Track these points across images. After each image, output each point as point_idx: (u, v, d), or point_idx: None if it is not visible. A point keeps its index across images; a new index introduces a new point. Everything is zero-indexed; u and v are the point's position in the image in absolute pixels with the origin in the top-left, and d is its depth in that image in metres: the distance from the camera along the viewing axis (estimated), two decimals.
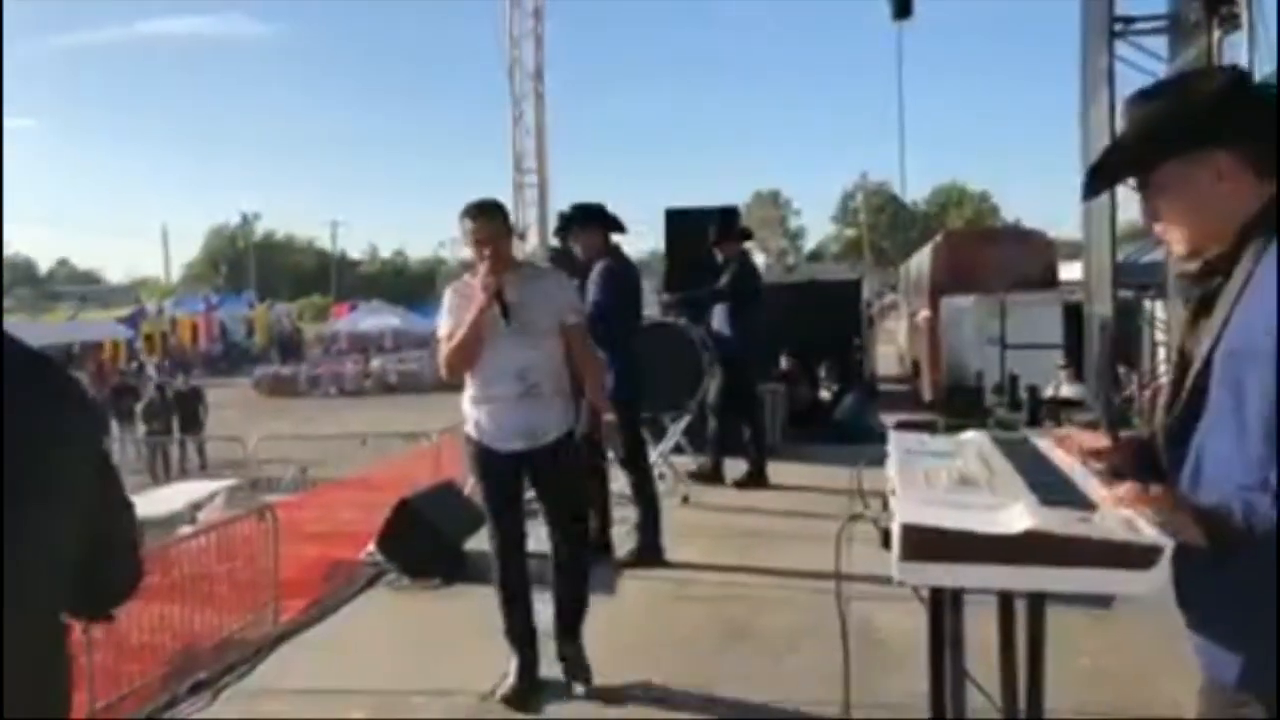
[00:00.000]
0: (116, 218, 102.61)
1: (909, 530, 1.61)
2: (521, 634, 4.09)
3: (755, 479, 7.69)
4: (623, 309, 5.77)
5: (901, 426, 2.58)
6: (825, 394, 11.06)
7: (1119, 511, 1.59)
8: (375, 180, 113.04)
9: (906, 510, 1.69)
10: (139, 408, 18.66)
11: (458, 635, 4.80)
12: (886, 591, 2.13)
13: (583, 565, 4.23)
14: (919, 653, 2.51)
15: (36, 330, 32.50)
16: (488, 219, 3.84)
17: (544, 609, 4.16)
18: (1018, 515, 1.66)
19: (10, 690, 1.25)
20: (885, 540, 1.80)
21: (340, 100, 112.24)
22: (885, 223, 62.62)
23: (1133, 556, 1.52)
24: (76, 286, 63.63)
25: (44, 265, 79.63)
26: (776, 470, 7.81)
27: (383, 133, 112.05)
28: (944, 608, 2.06)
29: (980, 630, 2.30)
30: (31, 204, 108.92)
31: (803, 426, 9.94)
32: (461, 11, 74.83)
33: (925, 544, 1.61)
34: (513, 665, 4.05)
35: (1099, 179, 1.88)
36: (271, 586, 5.46)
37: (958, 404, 10.28)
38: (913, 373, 16.03)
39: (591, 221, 5.88)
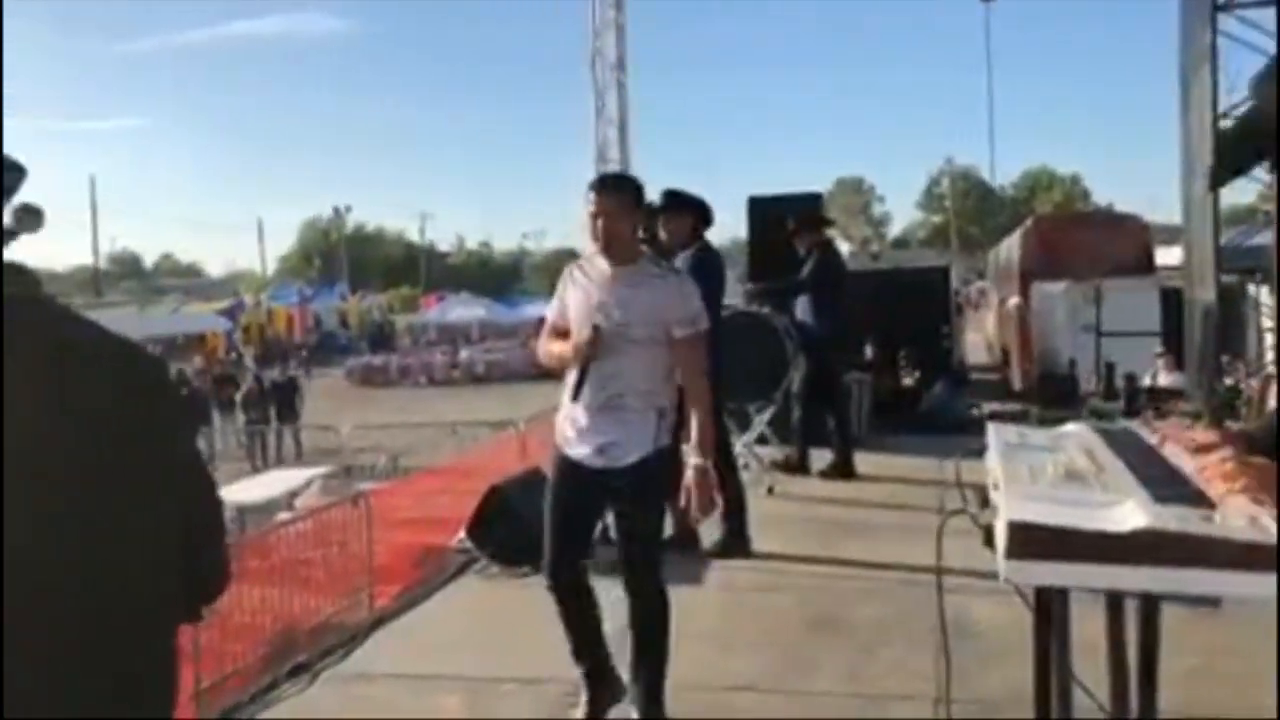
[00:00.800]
0: (215, 213, 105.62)
1: (1016, 528, 1.57)
2: (589, 663, 3.75)
3: (841, 469, 7.61)
4: (708, 299, 5.73)
5: (993, 417, 2.53)
6: (911, 383, 10.88)
7: (1241, 509, 1.53)
8: (462, 173, 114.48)
9: (1013, 507, 1.64)
10: (238, 397, 19.26)
11: (546, 624, 4.83)
12: (981, 584, 2.08)
13: (660, 619, 3.69)
14: (1017, 648, 2.45)
15: (144, 323, 33.84)
16: (608, 193, 3.52)
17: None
18: (1129, 512, 1.61)
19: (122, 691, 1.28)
20: (988, 538, 1.75)
21: (427, 95, 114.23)
22: (972, 208, 61.27)
23: (1260, 558, 1.45)
24: (179, 280, 65.75)
25: (149, 259, 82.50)
26: (862, 460, 7.72)
27: (469, 126, 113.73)
28: (1050, 606, 2.01)
29: (1084, 627, 2.24)
30: (136, 200, 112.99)
31: (889, 416, 9.80)
32: (543, 4, 75.14)
33: (1033, 542, 1.56)
34: (582, 699, 3.74)
35: (1230, 161, 1.80)
36: (366, 572, 5.58)
37: (1050, 393, 10.03)
38: (1002, 361, 15.68)
39: (684, 208, 5.84)
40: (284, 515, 8.12)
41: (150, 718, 1.35)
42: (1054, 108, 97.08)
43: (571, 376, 3.53)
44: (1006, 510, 1.63)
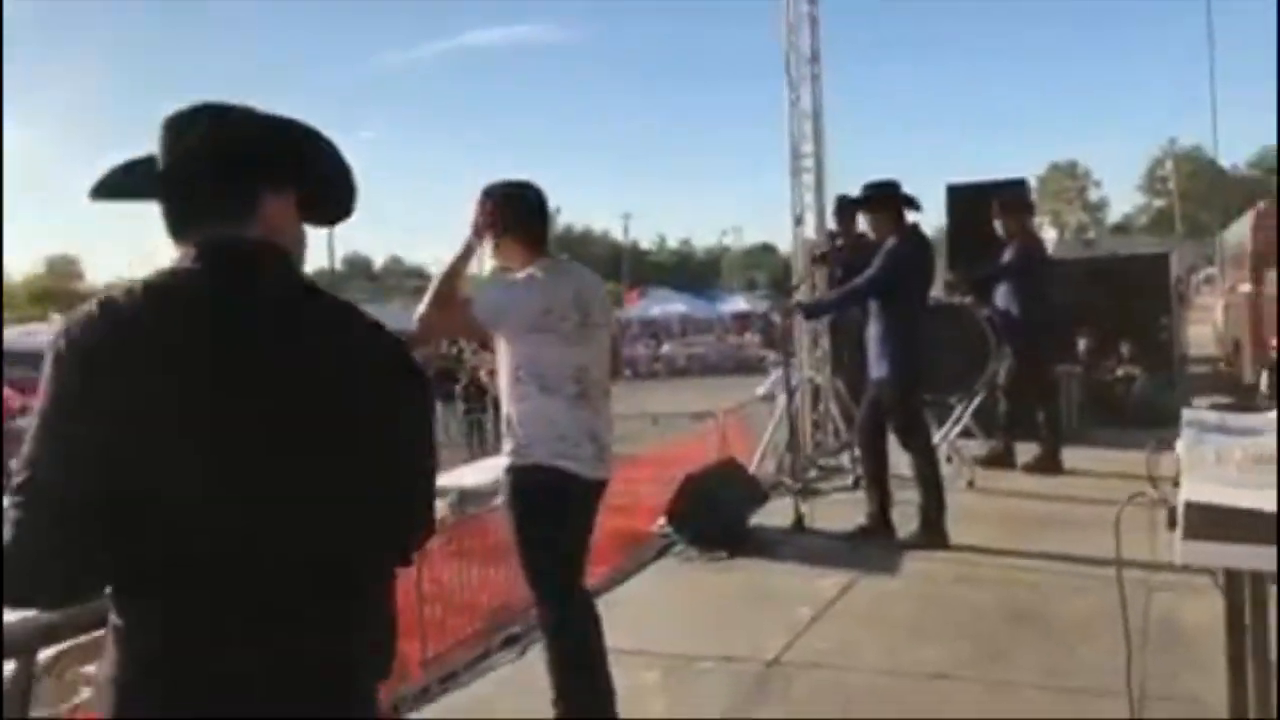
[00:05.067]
0: (439, 217, 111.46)
1: (1192, 508, 1.59)
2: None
3: (1047, 463, 7.38)
4: (904, 288, 5.73)
5: (1217, 408, 2.48)
6: (1123, 375, 10.36)
7: None
8: (663, 173, 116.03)
9: (1192, 489, 1.66)
10: (458, 389, 20.41)
11: (741, 605, 4.99)
12: (1195, 583, 2.04)
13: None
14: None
15: (379, 319, 36.42)
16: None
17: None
18: None
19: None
20: (1170, 521, 1.77)
21: (628, 98, 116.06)
22: (1200, 190, 56.97)
23: None
24: (407, 280, 69.48)
25: (378, 262, 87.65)
26: (1071, 455, 7.46)
27: (669, 127, 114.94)
28: (1242, 594, 1.99)
29: None
30: (366, 207, 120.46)
31: (1100, 410, 9.37)
32: (740, 4, 74.92)
33: (1209, 523, 1.58)
34: None
35: None
36: None
37: None
38: (1232, 353, 14.62)
39: (883, 199, 5.85)
40: (500, 499, 8.57)
41: (376, 649, 1.56)
42: None
43: None
44: (1185, 492, 1.65)
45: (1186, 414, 2.24)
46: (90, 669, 3.84)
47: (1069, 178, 65.98)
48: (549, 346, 3.21)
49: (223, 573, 1.38)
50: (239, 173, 1.49)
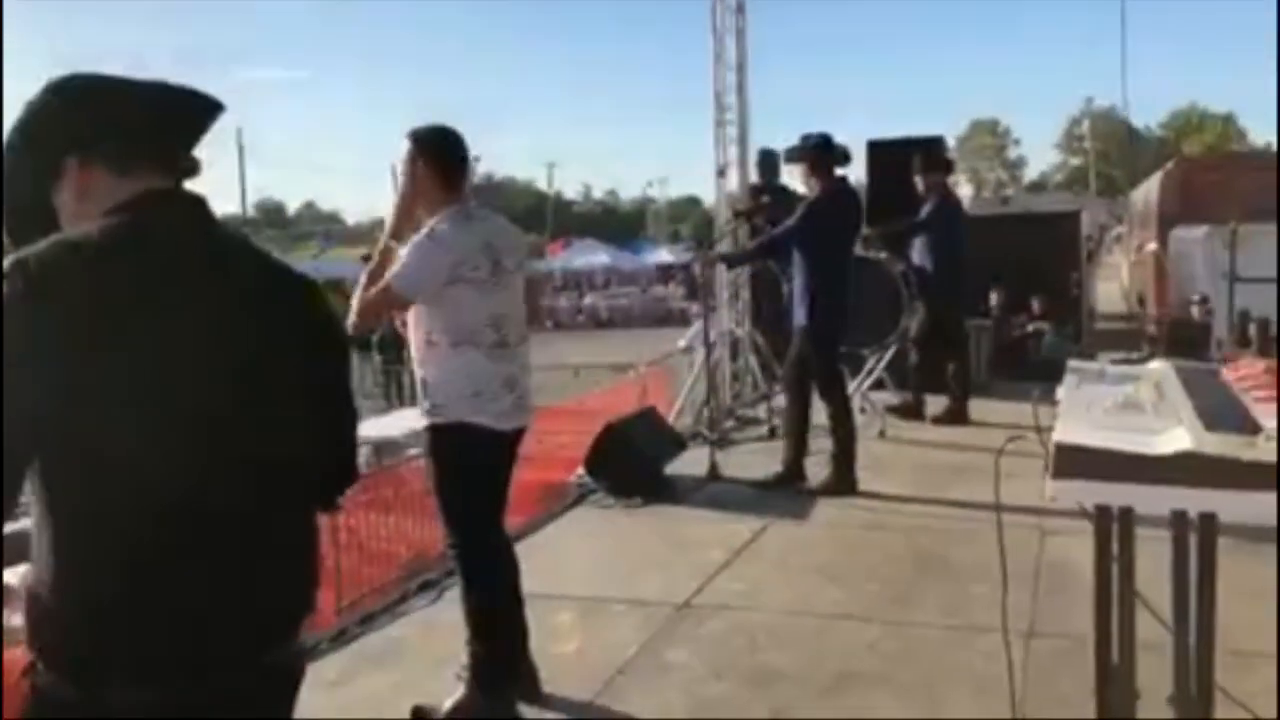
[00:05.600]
0: (353, 161, 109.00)
1: (1061, 449, 1.70)
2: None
3: (956, 416, 7.62)
4: (825, 241, 5.84)
5: (1118, 363, 2.59)
6: (1033, 330, 10.70)
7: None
8: (589, 123, 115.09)
9: (1062, 431, 1.77)
10: (375, 339, 20.12)
11: (655, 550, 5.10)
12: (1086, 528, 2.16)
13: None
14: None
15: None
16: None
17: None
18: (1176, 438, 1.71)
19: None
20: (1047, 466, 1.87)
21: (551, 42, 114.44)
22: (1115, 151, 58.43)
23: None
24: (320, 227, 68.15)
25: (292, 207, 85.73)
26: (979, 408, 7.70)
27: (594, 75, 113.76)
28: (1109, 530, 2.11)
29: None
30: (282, 150, 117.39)
31: (1009, 364, 9.67)
32: None
33: (1076, 463, 1.69)
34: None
35: None
36: None
37: (1181, 341, 9.71)
38: (1138, 308, 15.15)
39: (812, 153, 5.97)
40: (415, 450, 8.57)
41: (303, 578, 1.62)
42: (1206, 42, 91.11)
43: None
44: (1057, 434, 1.76)
45: (1070, 364, 2.36)
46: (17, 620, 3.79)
47: (990, 135, 67.09)
48: (463, 297, 3.20)
49: (153, 508, 1.41)
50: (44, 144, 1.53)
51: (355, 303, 3.27)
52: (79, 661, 1.41)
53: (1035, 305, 11.01)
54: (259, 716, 1.57)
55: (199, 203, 1.58)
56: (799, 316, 5.91)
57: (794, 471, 6.02)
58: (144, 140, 1.54)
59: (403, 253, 3.23)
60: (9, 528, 1.47)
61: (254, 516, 1.51)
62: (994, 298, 10.59)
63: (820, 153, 5.95)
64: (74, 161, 1.51)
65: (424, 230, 3.23)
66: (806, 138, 6.03)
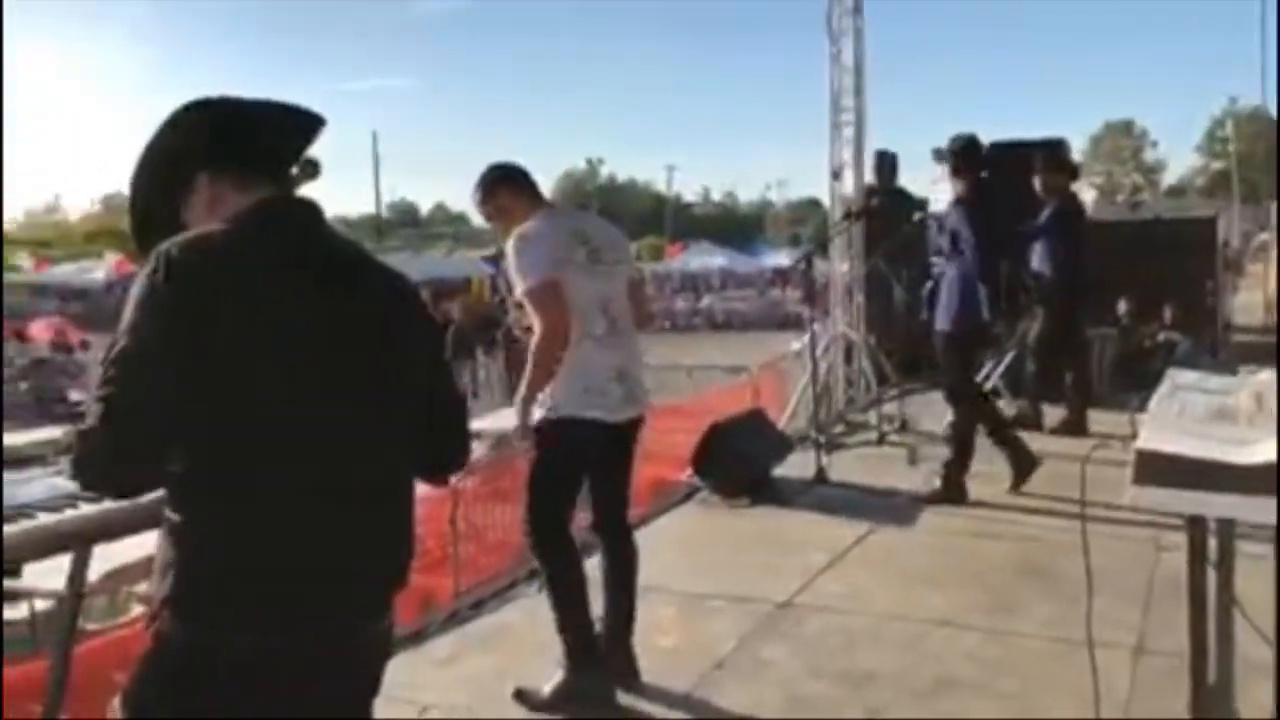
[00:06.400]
0: (480, 165, 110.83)
1: (1142, 455, 1.71)
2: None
3: (1074, 427, 7.42)
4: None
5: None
6: (1162, 341, 10.31)
7: None
8: (709, 125, 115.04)
9: (1145, 437, 1.77)
10: (499, 335, 20.66)
11: (758, 550, 5.16)
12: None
13: None
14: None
15: (420, 264, 37.01)
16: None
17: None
18: (1265, 450, 1.70)
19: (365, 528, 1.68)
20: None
21: (674, 48, 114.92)
22: (1262, 153, 55.32)
23: None
24: (449, 228, 69.91)
25: (424, 208, 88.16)
26: (1098, 419, 7.48)
27: (716, 78, 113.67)
28: (1203, 540, 2.09)
29: None
30: (413, 155, 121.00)
31: (1138, 374, 9.35)
32: None
33: (1158, 470, 1.69)
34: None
35: None
36: None
37: None
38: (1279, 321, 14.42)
39: (965, 156, 5.96)
40: None
41: (402, 551, 1.76)
42: None
43: None
44: (1140, 440, 1.76)
45: (1169, 372, 2.34)
46: (141, 588, 4.10)
47: (1124, 137, 64.38)
48: (568, 282, 3.29)
49: (284, 472, 1.58)
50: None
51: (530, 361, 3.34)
52: (196, 608, 1.56)
53: (1167, 314, 10.61)
54: (352, 678, 1.71)
55: (312, 206, 1.76)
56: (943, 320, 5.84)
57: (956, 485, 5.83)
58: (261, 156, 1.73)
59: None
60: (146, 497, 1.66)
61: (366, 487, 1.66)
62: (1121, 306, 10.25)
63: (966, 154, 5.90)
64: (205, 178, 1.71)
65: (513, 237, 3.36)
66: (955, 139, 6.00)
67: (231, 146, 1.71)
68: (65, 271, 37.95)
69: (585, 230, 3.45)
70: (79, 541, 2.07)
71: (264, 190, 1.71)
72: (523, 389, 3.36)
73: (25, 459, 2.52)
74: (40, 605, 4.96)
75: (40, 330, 20.23)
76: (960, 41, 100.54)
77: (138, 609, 4.65)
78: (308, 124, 1.79)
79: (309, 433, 1.59)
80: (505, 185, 3.52)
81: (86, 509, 2.00)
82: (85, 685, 2.61)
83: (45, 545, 1.98)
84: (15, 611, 5.99)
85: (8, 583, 2.10)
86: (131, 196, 1.76)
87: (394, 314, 1.76)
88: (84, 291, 33.61)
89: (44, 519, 1.97)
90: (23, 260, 40.51)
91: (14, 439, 2.92)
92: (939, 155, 6.39)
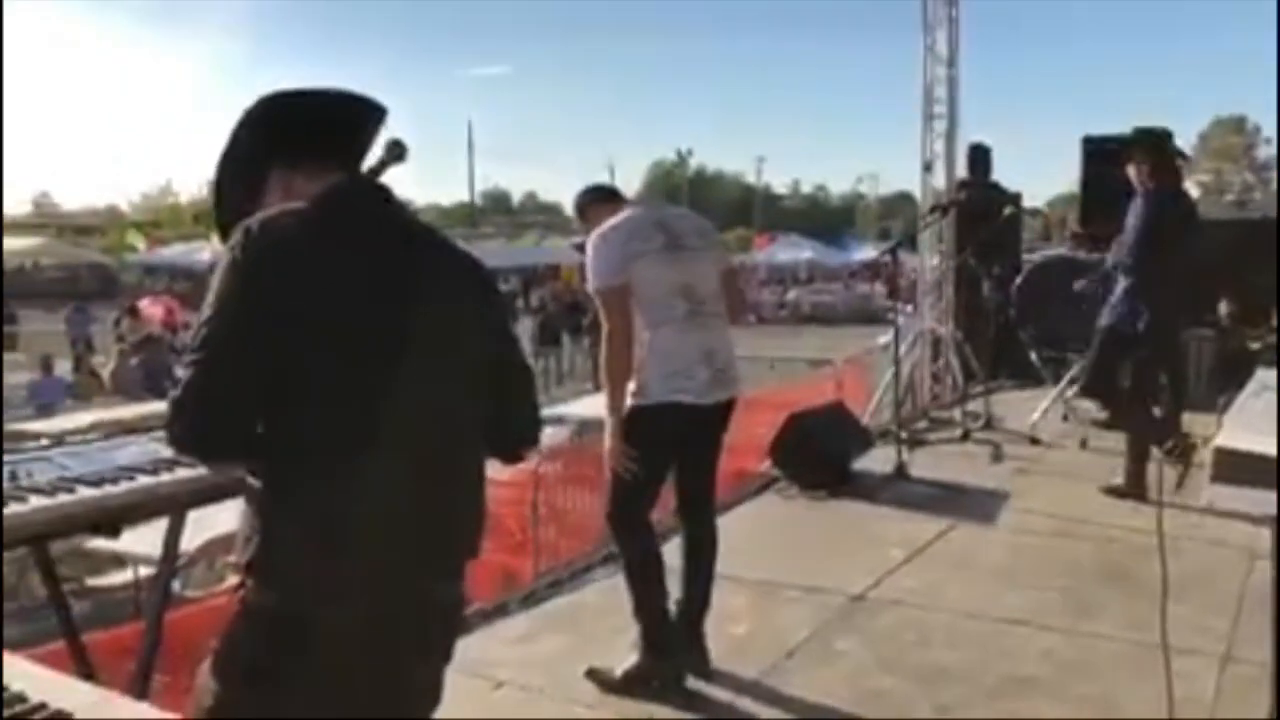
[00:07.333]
0: (571, 155, 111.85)
1: (1221, 453, 1.68)
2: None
3: (1165, 428, 7.19)
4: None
5: None
6: (1261, 345, 9.92)
7: None
8: (799, 117, 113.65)
9: (1227, 435, 1.74)
10: (584, 322, 20.83)
11: (834, 542, 5.15)
12: None
13: None
14: None
15: (511, 253, 37.56)
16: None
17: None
18: None
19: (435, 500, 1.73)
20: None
21: (764, 39, 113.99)
22: None
23: None
24: (540, 216, 70.58)
25: (516, 197, 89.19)
26: (1192, 422, 7.25)
27: (807, 68, 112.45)
28: None
29: None
30: (506, 143, 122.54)
31: (1239, 377, 9.02)
32: None
33: (1238, 467, 1.66)
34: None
35: None
36: None
37: None
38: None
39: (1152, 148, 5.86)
40: None
41: (475, 524, 1.82)
42: None
43: None
44: (1220, 438, 1.73)
45: (1259, 373, 2.28)
46: (234, 557, 4.29)
47: (1236, 133, 61.78)
48: (646, 271, 3.35)
49: (361, 440, 1.64)
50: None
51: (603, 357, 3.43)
52: (278, 574, 1.64)
53: (1274, 318, 10.20)
54: (428, 640, 1.78)
55: (380, 186, 1.83)
56: (1109, 317, 5.71)
57: (1137, 482, 5.70)
58: (326, 145, 1.82)
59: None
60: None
61: (439, 455, 1.73)
62: (1222, 307, 9.88)
63: (1153, 148, 5.77)
64: (276, 171, 1.80)
65: (592, 235, 3.44)
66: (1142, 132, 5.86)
67: (296, 139, 1.80)
68: (174, 252, 39.36)
69: (666, 219, 3.51)
70: (174, 505, 2.18)
71: (335, 177, 1.78)
72: (607, 403, 3.44)
73: (130, 432, 2.64)
74: (144, 571, 5.21)
75: (149, 306, 21.14)
76: (1057, 33, 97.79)
77: (234, 578, 4.85)
78: (369, 111, 1.86)
79: (384, 403, 1.65)
80: (592, 206, 3.65)
81: (182, 472, 2.10)
82: (180, 649, 2.75)
83: (143, 508, 2.09)
84: (122, 576, 6.31)
85: (109, 545, 2.22)
86: (214, 194, 1.86)
87: (462, 289, 1.82)
88: (190, 271, 34.81)
89: (143, 480, 2.08)
90: (137, 241, 42.16)
91: (122, 412, 3.07)
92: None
